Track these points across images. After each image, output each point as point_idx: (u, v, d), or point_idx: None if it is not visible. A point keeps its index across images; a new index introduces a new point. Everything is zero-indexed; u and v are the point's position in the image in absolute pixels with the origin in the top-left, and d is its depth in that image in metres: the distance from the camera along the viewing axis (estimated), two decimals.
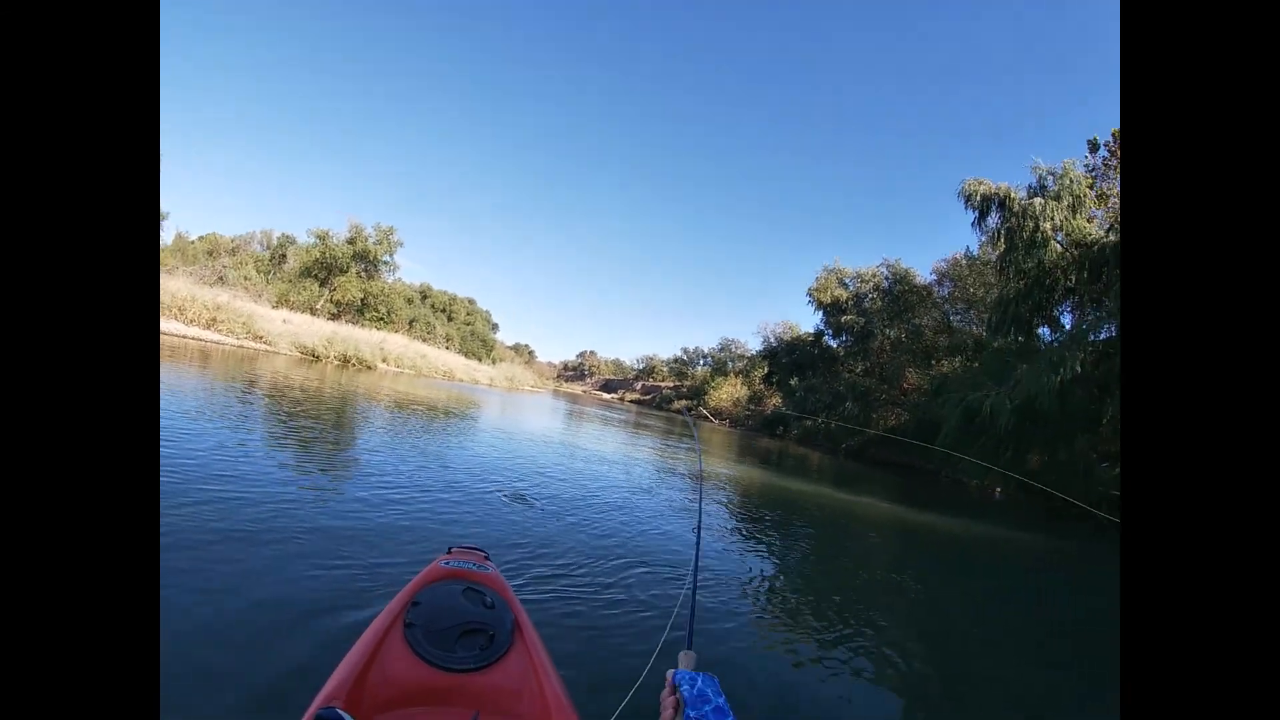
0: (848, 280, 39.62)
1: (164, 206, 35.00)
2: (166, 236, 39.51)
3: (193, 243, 43.18)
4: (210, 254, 40.47)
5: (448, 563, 2.56)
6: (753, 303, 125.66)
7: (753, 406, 52.89)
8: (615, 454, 13.65)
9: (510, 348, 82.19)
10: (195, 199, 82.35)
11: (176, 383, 10.20)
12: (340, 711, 1.52)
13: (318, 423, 9.48)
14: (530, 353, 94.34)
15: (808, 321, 46.64)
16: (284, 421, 8.94)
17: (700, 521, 3.05)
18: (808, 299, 40.87)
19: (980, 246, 27.17)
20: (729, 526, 7.79)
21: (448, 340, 48.66)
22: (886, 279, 36.54)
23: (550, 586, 4.07)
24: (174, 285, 21.13)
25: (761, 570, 5.86)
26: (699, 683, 1.20)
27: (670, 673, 1.25)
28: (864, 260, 49.55)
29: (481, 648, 2.12)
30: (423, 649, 2.04)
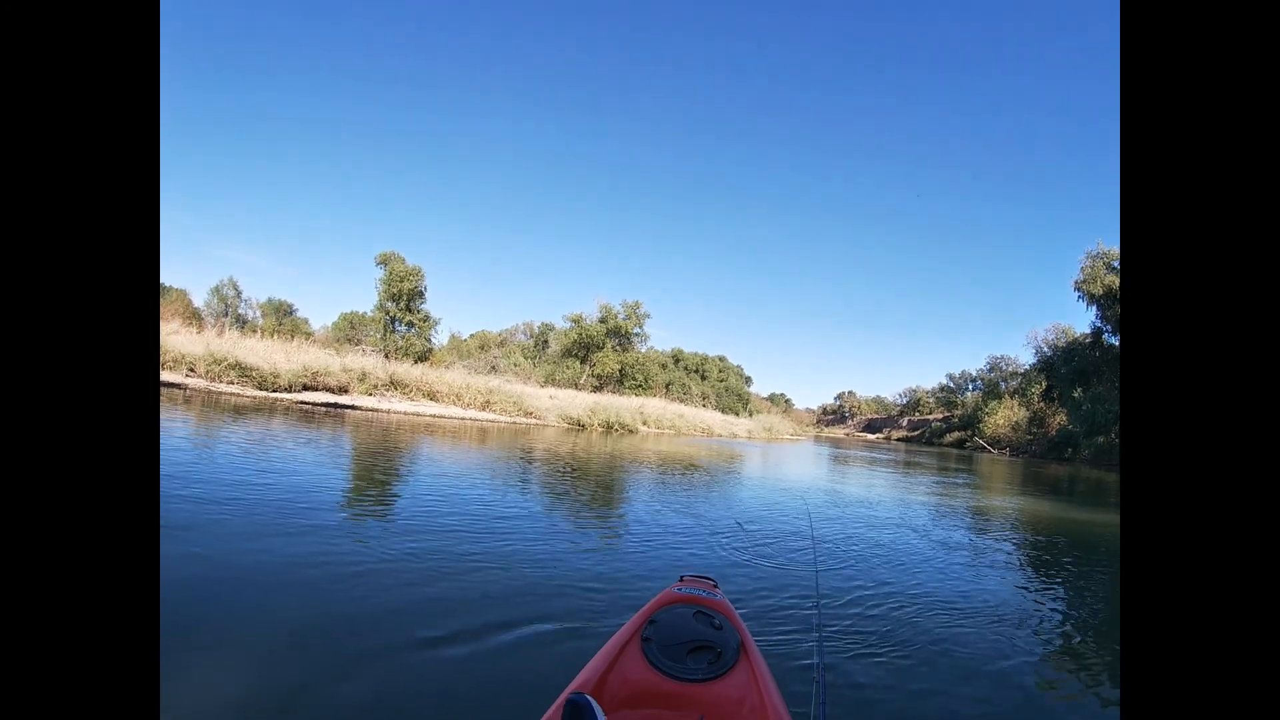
0: (1118, 263, 33.39)
1: (435, 312, 40.45)
2: (442, 337, 45.29)
3: (465, 340, 49.41)
4: (482, 348, 45.83)
5: (680, 589, 2.73)
6: (1020, 309, 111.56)
7: (1034, 429, 46.25)
8: (871, 494, 12.45)
9: (766, 399, 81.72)
10: (464, 303, 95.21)
11: (464, 456, 11.37)
12: (589, 698, 1.63)
13: (587, 481, 10.21)
14: (787, 401, 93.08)
15: (1082, 321, 40.16)
16: (559, 481, 9.65)
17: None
18: (1076, 294, 35.15)
19: None
20: (1007, 574, 6.68)
21: (703, 399, 49.54)
22: None
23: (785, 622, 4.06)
24: (450, 376, 24.04)
25: (1040, 618, 4.84)
26: None
27: None
28: None
29: (709, 663, 2.27)
30: (656, 659, 2.25)
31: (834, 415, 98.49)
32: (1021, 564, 7.05)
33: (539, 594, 4.04)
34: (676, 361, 54.54)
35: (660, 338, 74.99)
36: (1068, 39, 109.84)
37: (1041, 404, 46.12)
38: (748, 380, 65.42)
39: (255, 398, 17.28)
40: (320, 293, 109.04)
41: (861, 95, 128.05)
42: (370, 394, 20.55)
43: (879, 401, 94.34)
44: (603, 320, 43.87)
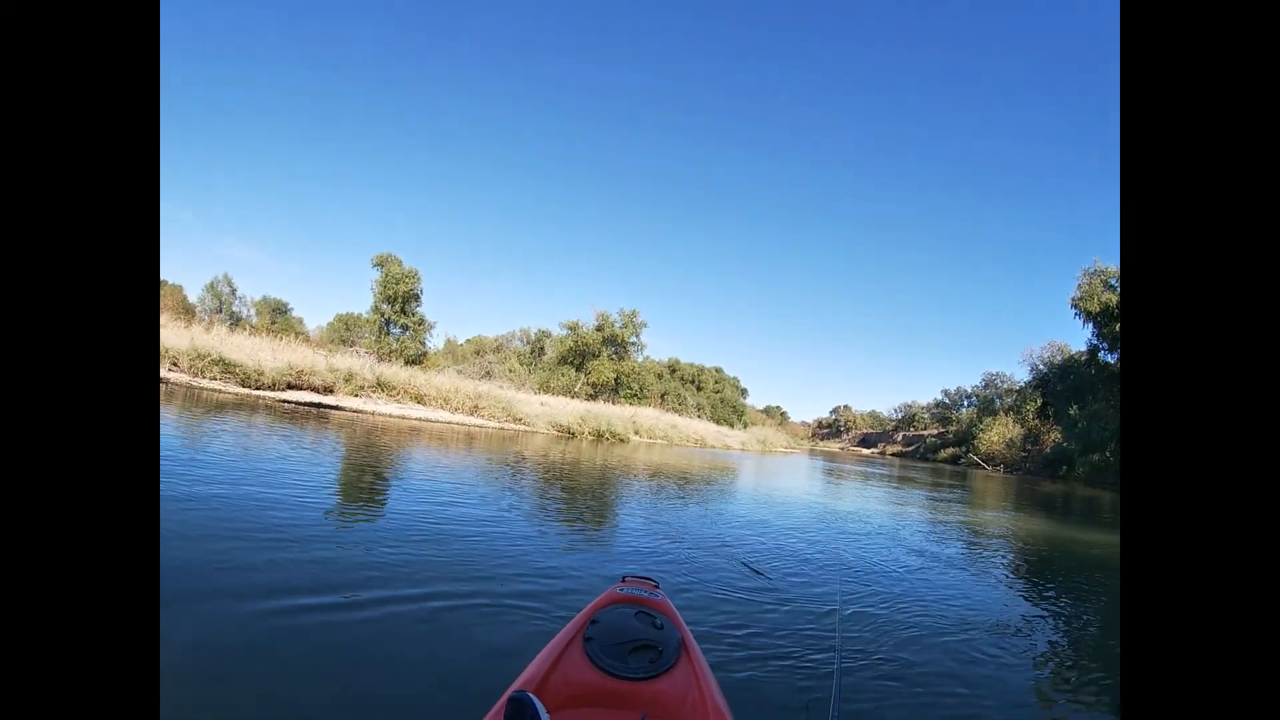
0: (1114, 280, 33.13)
1: (430, 316, 40.02)
2: (438, 342, 44.92)
3: (460, 345, 49.00)
4: (477, 353, 45.49)
5: (622, 589, 2.77)
6: (1016, 327, 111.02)
7: (1029, 446, 45.84)
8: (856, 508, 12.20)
9: (761, 411, 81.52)
10: (460, 307, 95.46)
11: (447, 460, 11.24)
12: (531, 696, 1.64)
13: (575, 487, 10.27)
14: (783, 414, 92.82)
15: (1078, 338, 39.96)
16: (527, 486, 9.70)
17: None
18: (1073, 311, 34.93)
19: None
20: (993, 590, 6.55)
21: (699, 409, 49.38)
22: None
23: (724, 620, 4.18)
24: (438, 380, 23.81)
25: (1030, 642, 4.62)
26: None
27: None
28: None
29: (650, 661, 2.30)
30: (598, 659, 2.26)
31: (829, 429, 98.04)
32: (1011, 581, 6.90)
33: (483, 597, 3.98)
34: (673, 372, 54.37)
35: (657, 348, 74.74)
36: (1066, 47, 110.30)
37: (1036, 421, 45.76)
38: (744, 392, 65.18)
39: (237, 395, 16.99)
40: (317, 293, 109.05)
41: (859, 111, 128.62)
42: (356, 395, 20.27)
43: (874, 416, 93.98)
44: (599, 328, 43.74)
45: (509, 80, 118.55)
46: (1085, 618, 5.55)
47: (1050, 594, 6.44)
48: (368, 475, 8.49)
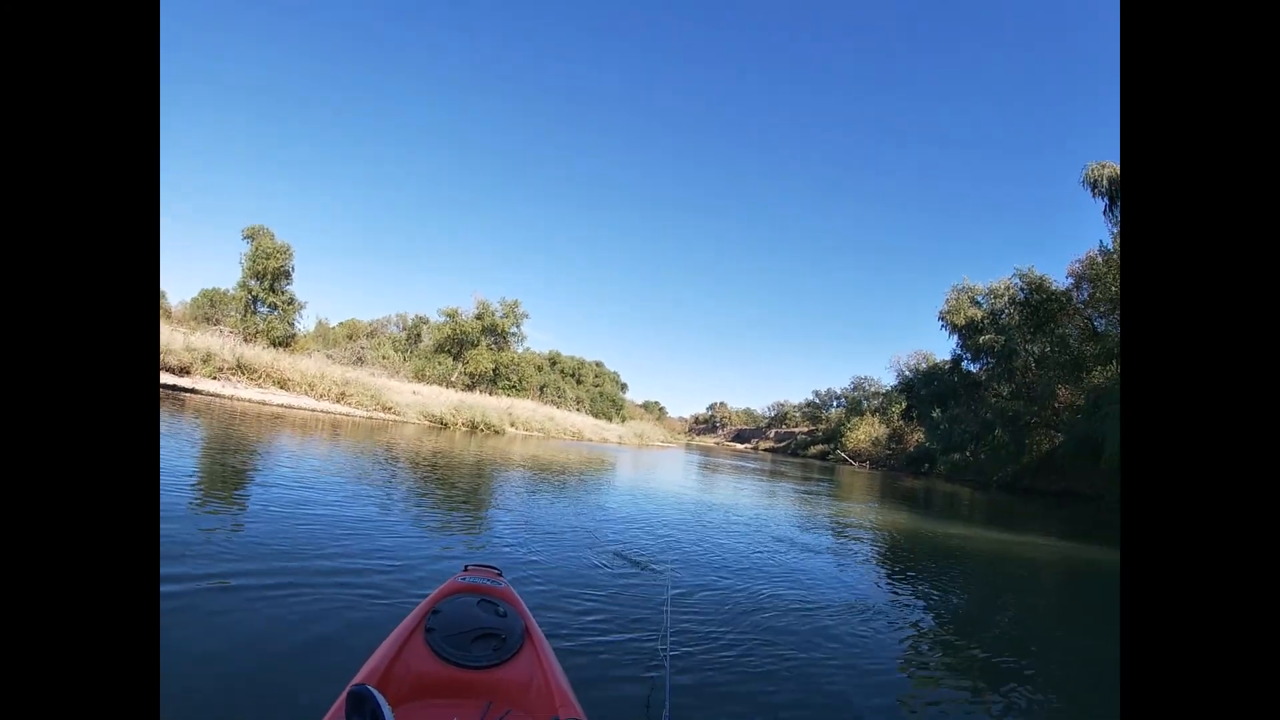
0: (980, 298, 36.60)
1: (301, 296, 38.03)
2: (308, 324, 42.82)
3: (333, 328, 46.89)
4: (350, 338, 43.80)
5: (464, 578, 2.78)
6: (885, 337, 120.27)
7: (894, 445, 49.80)
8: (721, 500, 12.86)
9: (640, 405, 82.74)
10: (334, 289, 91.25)
11: (302, 448, 10.90)
12: (372, 689, 1.61)
13: (433, 478, 10.12)
14: (661, 409, 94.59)
15: (943, 349, 43.63)
16: (399, 476, 9.35)
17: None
18: (940, 323, 38.08)
19: (1114, 238, 24.64)
20: (864, 581, 6.77)
21: (578, 403, 49.67)
22: (1021, 290, 33.68)
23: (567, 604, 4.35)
24: (304, 364, 22.85)
25: (902, 631, 4.94)
26: None
27: None
28: (994, 274, 45.30)
29: (494, 649, 2.31)
30: (440, 648, 2.25)
31: (705, 424, 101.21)
32: (862, 567, 7.37)
33: (320, 589, 3.95)
34: (553, 364, 54.37)
35: (538, 340, 74.32)
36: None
37: (901, 422, 49.43)
38: (624, 387, 66.07)
39: None
40: (180, 265, 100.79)
41: (740, 106, 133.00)
42: (214, 378, 19.24)
43: (748, 413, 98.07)
44: (479, 317, 43.02)
45: (397, 54, 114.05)
46: (951, 602, 6.08)
47: (907, 581, 6.88)
48: (218, 461, 8.21)
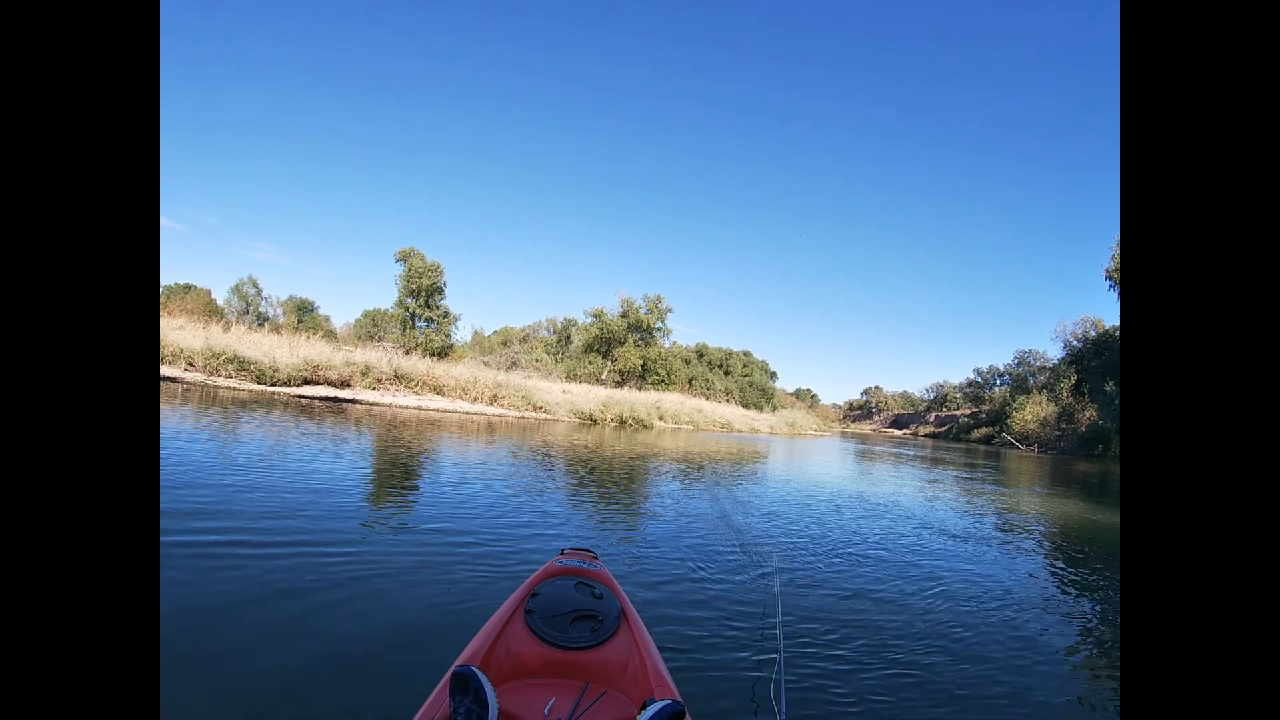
0: None
1: (455, 309, 40.13)
2: (465, 334, 45.17)
3: (488, 337, 49.11)
4: (504, 344, 45.35)
5: (561, 561, 2.77)
6: (1047, 305, 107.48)
7: (1064, 425, 44.09)
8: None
9: (791, 394, 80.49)
10: (487, 301, 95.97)
11: (465, 447, 11.04)
12: (475, 669, 1.67)
13: (610, 473, 10.10)
14: (813, 396, 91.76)
15: (1113, 312, 38.36)
16: (539, 469, 9.42)
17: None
18: (1107, 282, 33.34)
19: None
20: (1032, 587, 5.95)
21: (727, 394, 48.79)
22: None
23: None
24: (458, 371, 23.68)
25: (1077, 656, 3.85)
26: None
27: None
28: None
29: (591, 630, 2.33)
30: (540, 630, 2.29)
31: (860, 411, 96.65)
32: (1037, 564, 6.36)
33: (426, 575, 4.02)
34: (700, 357, 53.81)
35: (685, 333, 74.11)
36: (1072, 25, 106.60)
37: (1071, 399, 44.08)
38: (773, 376, 64.35)
39: (253, 391, 16.90)
40: (344, 291, 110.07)
41: (882, 101, 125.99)
42: (373, 388, 20.12)
43: (906, 397, 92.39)
44: (624, 315, 43.42)
45: (529, 76, 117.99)
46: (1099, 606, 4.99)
47: (1066, 577, 5.96)
48: (374, 461, 8.27)
